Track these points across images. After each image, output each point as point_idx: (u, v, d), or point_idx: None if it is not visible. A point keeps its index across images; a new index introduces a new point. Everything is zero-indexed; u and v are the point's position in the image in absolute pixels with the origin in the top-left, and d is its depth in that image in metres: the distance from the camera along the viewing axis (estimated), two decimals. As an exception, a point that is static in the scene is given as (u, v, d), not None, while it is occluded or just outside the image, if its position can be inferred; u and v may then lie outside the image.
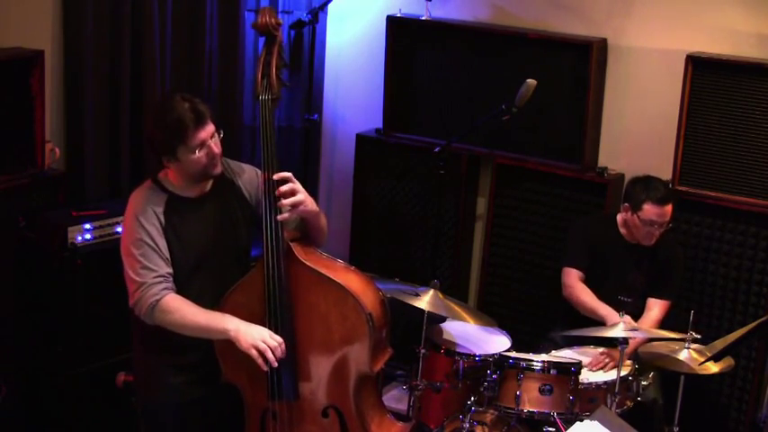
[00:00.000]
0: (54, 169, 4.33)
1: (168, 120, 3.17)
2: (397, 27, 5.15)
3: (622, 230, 4.35)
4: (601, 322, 4.13)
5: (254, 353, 3.13)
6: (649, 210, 4.17)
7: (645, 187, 4.22)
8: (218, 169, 3.28)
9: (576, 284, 4.31)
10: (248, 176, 3.43)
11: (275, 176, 3.23)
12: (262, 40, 3.38)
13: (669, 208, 4.19)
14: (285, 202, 3.21)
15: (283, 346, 3.18)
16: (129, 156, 4.64)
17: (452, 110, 5.10)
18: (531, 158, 4.93)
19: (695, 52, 4.51)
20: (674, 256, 4.37)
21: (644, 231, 4.21)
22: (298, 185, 3.25)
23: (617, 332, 3.82)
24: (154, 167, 3.39)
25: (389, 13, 5.17)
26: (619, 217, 4.36)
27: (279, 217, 3.23)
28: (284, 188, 3.22)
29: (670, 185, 4.50)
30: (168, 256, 3.23)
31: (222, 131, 3.28)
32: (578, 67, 4.71)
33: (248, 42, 5.16)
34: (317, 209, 3.34)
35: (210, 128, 3.21)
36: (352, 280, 3.29)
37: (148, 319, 3.20)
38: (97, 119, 4.50)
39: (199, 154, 3.19)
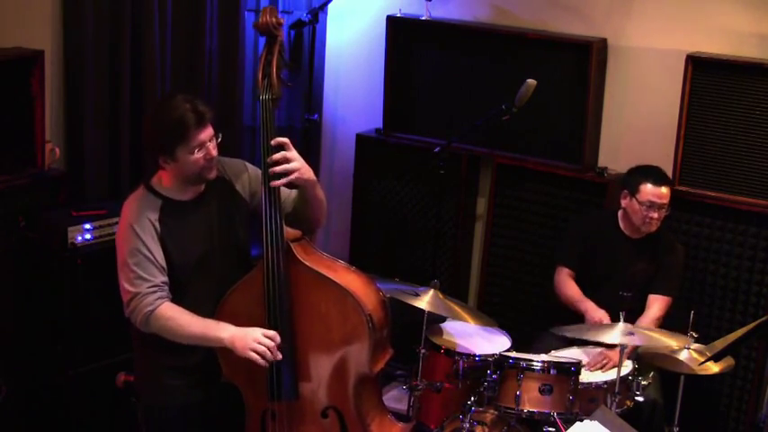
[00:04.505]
0: (54, 169, 4.33)
1: (169, 119, 3.17)
2: (397, 27, 5.15)
3: (622, 225, 4.35)
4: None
5: (252, 356, 3.14)
6: (647, 190, 4.18)
7: (643, 171, 4.27)
8: (214, 174, 3.28)
9: (563, 280, 4.38)
10: (239, 171, 3.42)
11: (272, 142, 3.22)
12: (262, 39, 3.38)
13: (667, 191, 4.21)
14: (278, 168, 3.20)
15: (278, 338, 3.18)
16: (129, 156, 4.63)
17: (452, 110, 5.09)
18: (531, 158, 4.93)
19: (695, 52, 4.51)
20: (673, 251, 4.36)
21: (642, 215, 4.21)
22: (292, 154, 3.24)
23: (614, 338, 3.79)
24: (151, 169, 3.38)
25: (389, 13, 5.17)
26: (619, 212, 4.36)
27: (272, 183, 3.21)
28: (276, 156, 3.21)
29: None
30: (164, 264, 3.22)
31: (221, 135, 3.27)
32: (578, 67, 4.71)
33: (248, 42, 5.15)
34: (314, 178, 3.32)
35: (210, 130, 3.22)
36: (352, 280, 3.29)
37: (144, 328, 3.20)
38: (97, 119, 4.49)
39: (197, 155, 3.19)
